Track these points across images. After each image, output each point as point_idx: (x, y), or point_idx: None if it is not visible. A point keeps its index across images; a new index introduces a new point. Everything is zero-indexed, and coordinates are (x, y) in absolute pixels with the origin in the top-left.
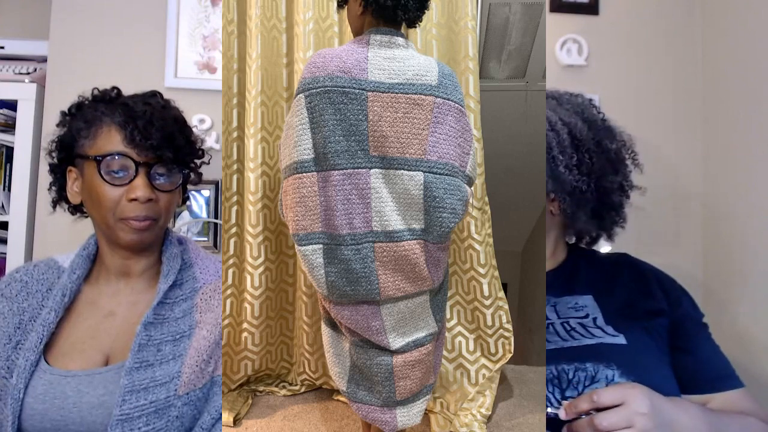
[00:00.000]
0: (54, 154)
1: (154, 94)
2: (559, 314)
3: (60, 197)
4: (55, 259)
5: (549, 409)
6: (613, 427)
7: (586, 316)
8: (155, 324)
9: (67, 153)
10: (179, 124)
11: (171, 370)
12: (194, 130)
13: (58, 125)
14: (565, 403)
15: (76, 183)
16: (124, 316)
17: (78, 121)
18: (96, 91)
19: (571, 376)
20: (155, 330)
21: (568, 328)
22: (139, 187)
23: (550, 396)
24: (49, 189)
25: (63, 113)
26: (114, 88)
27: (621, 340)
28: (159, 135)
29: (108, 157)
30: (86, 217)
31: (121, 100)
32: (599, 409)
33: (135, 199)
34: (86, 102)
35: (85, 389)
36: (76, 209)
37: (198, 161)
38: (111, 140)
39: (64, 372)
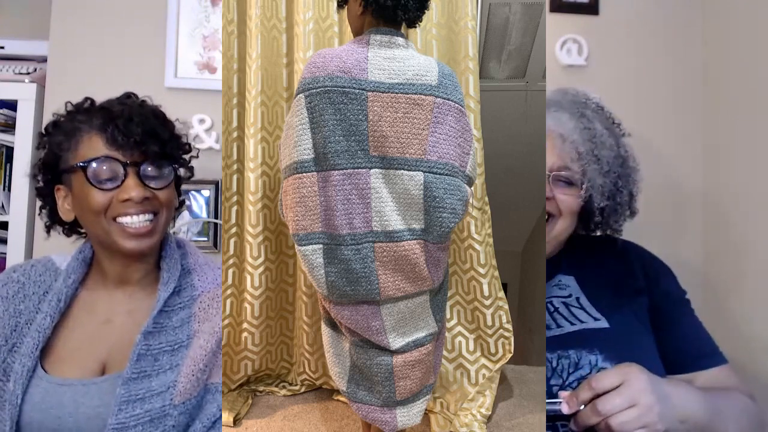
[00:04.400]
0: (39, 177)
1: (129, 96)
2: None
3: (53, 221)
4: (53, 260)
5: (548, 406)
6: (618, 408)
7: (570, 296)
8: (154, 333)
9: (53, 173)
10: (160, 118)
11: (167, 380)
12: (182, 124)
13: (38, 147)
14: (564, 395)
15: (67, 200)
16: (122, 324)
17: (57, 137)
18: (69, 105)
19: (554, 364)
20: (154, 339)
21: (551, 310)
22: (132, 187)
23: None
24: (40, 213)
25: (41, 134)
26: (87, 98)
27: (603, 323)
28: (140, 131)
29: (93, 162)
30: (84, 236)
31: (98, 106)
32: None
33: (128, 200)
34: (62, 118)
35: (81, 399)
36: (72, 230)
37: (187, 156)
38: (93, 146)
39: (60, 380)
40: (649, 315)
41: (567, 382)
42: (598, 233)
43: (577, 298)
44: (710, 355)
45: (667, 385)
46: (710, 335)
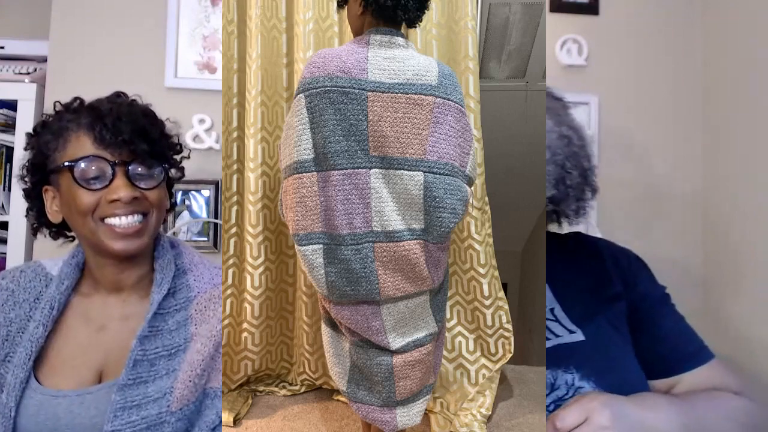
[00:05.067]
0: (27, 179)
1: (119, 95)
2: None
3: (40, 223)
4: (43, 265)
5: None
6: None
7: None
8: (150, 337)
9: (41, 173)
10: (149, 117)
11: (163, 386)
12: (173, 123)
13: (26, 148)
14: None
15: (55, 201)
16: (117, 330)
17: (45, 137)
18: (58, 105)
19: None
20: (150, 344)
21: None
22: (120, 188)
23: None
24: (27, 215)
25: (29, 135)
26: (76, 98)
27: (579, 336)
28: (129, 129)
29: (81, 161)
30: (71, 240)
31: (86, 105)
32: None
33: (117, 200)
34: (50, 118)
35: (77, 410)
36: (59, 233)
37: (177, 156)
38: (81, 145)
39: (54, 392)
40: (627, 320)
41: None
42: (565, 227)
43: (551, 309)
44: (694, 355)
45: (638, 410)
46: (694, 331)
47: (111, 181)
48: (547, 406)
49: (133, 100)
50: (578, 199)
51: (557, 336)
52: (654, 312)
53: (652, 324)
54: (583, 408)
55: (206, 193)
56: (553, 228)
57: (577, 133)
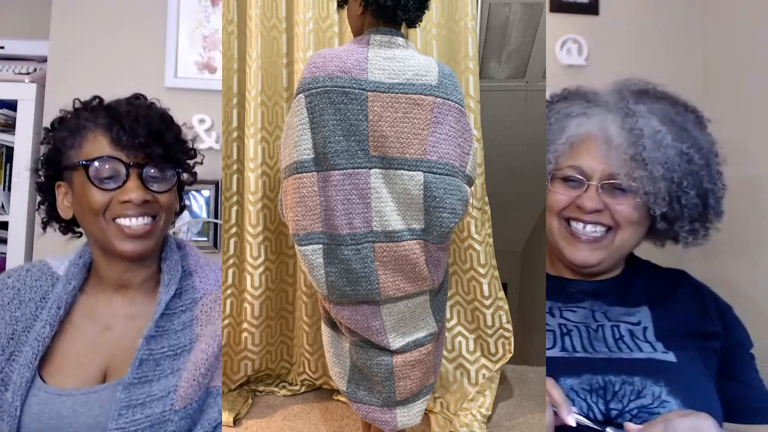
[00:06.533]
0: (41, 172)
1: (138, 97)
2: (609, 318)
3: (50, 217)
4: (49, 264)
5: (573, 416)
6: None
7: (638, 323)
8: (156, 337)
9: (55, 169)
10: (166, 121)
11: (168, 385)
12: (189, 129)
13: (42, 142)
14: (633, 427)
15: (67, 197)
16: (122, 330)
17: (61, 133)
18: (77, 102)
19: (617, 388)
20: (156, 343)
21: (617, 336)
22: (132, 189)
23: (592, 405)
24: (38, 209)
25: (46, 129)
26: (96, 97)
27: (671, 357)
28: (146, 132)
29: (96, 161)
30: (78, 236)
31: (105, 105)
32: None
33: (128, 201)
34: (68, 115)
35: (80, 409)
36: (68, 228)
37: (191, 161)
38: (97, 145)
39: (59, 390)
40: (718, 360)
41: (626, 408)
42: (680, 244)
43: (644, 328)
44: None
45: None
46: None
47: (124, 182)
48: (629, 410)
49: (152, 103)
50: (693, 221)
51: (647, 352)
52: (744, 361)
53: (740, 371)
54: (698, 422)
55: (206, 193)
56: (670, 245)
57: (700, 152)
